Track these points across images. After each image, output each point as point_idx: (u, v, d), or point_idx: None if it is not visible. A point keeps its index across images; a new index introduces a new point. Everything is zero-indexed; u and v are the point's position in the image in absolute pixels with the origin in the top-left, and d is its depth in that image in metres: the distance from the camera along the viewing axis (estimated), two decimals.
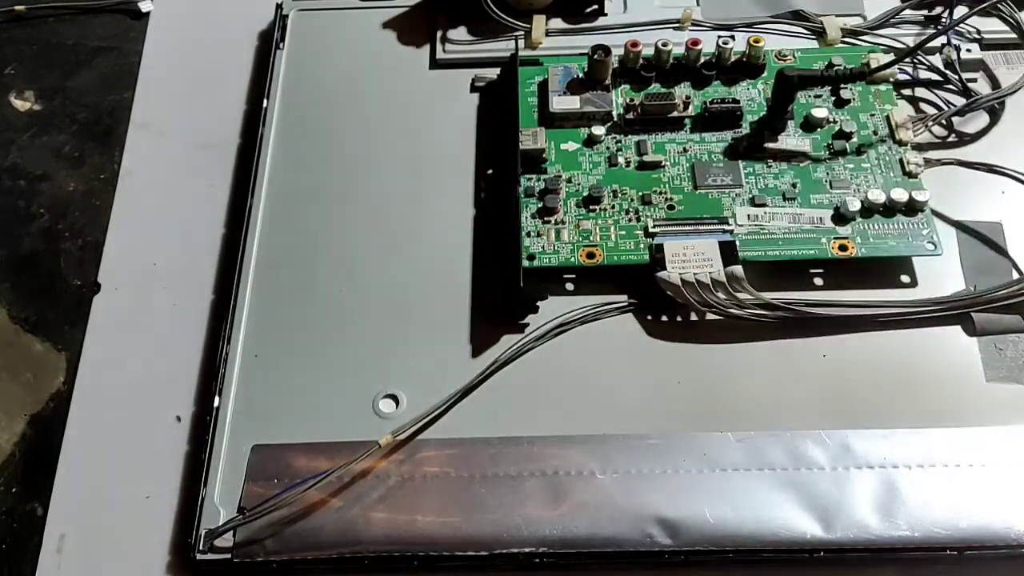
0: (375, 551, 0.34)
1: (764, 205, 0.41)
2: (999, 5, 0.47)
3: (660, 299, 0.38)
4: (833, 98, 0.44)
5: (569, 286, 0.40)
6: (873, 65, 0.43)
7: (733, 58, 0.45)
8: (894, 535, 0.33)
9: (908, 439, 0.36)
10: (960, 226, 0.41)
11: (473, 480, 0.35)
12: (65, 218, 0.45)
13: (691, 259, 0.39)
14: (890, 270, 0.40)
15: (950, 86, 0.45)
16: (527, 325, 0.39)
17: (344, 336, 0.39)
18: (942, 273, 0.40)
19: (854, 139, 0.42)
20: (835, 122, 0.43)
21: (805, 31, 0.47)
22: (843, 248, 0.39)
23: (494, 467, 0.35)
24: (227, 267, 0.42)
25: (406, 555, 0.34)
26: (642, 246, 0.40)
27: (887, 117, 0.43)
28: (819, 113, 0.43)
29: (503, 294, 0.39)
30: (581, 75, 0.44)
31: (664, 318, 0.39)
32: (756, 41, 0.44)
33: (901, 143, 0.42)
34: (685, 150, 0.43)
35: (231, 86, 0.48)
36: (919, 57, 0.46)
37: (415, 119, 0.46)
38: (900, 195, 0.40)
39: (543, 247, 0.40)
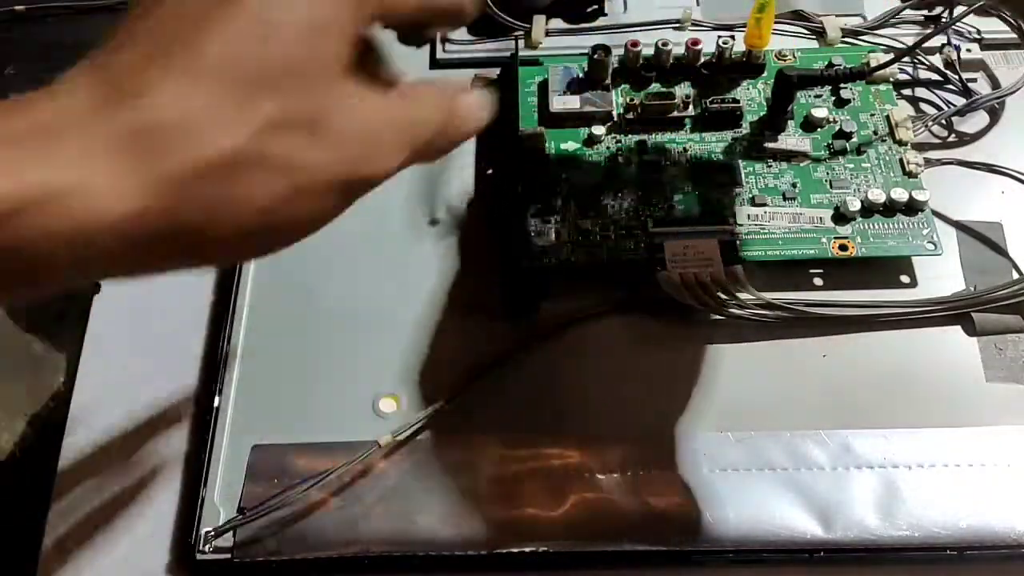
0: (375, 551, 0.34)
1: (764, 205, 0.41)
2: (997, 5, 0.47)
3: (660, 299, 0.38)
4: (833, 98, 0.44)
5: (569, 286, 0.40)
6: (873, 65, 0.43)
7: (733, 58, 0.45)
8: (894, 535, 0.33)
9: (908, 439, 0.36)
10: (960, 226, 0.41)
11: (473, 480, 0.35)
12: None
13: (691, 259, 0.39)
14: (890, 270, 0.40)
15: (950, 86, 0.45)
16: (527, 325, 0.39)
17: (344, 336, 0.39)
18: (942, 273, 0.40)
19: (854, 139, 0.42)
20: (835, 122, 0.43)
21: (805, 31, 0.47)
22: (843, 248, 0.39)
23: (494, 467, 0.35)
24: (227, 267, 0.41)
25: (406, 555, 0.34)
26: (642, 246, 0.40)
27: (887, 117, 0.43)
28: (819, 113, 0.43)
29: (503, 294, 0.39)
30: (581, 75, 0.44)
31: (664, 318, 0.39)
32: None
33: (901, 143, 0.42)
34: (685, 150, 0.43)
35: None
36: (919, 57, 0.46)
37: None
38: (900, 195, 0.40)
39: (543, 247, 0.40)
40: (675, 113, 0.43)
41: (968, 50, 0.46)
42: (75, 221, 0.19)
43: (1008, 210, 0.42)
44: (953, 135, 0.45)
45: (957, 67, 0.45)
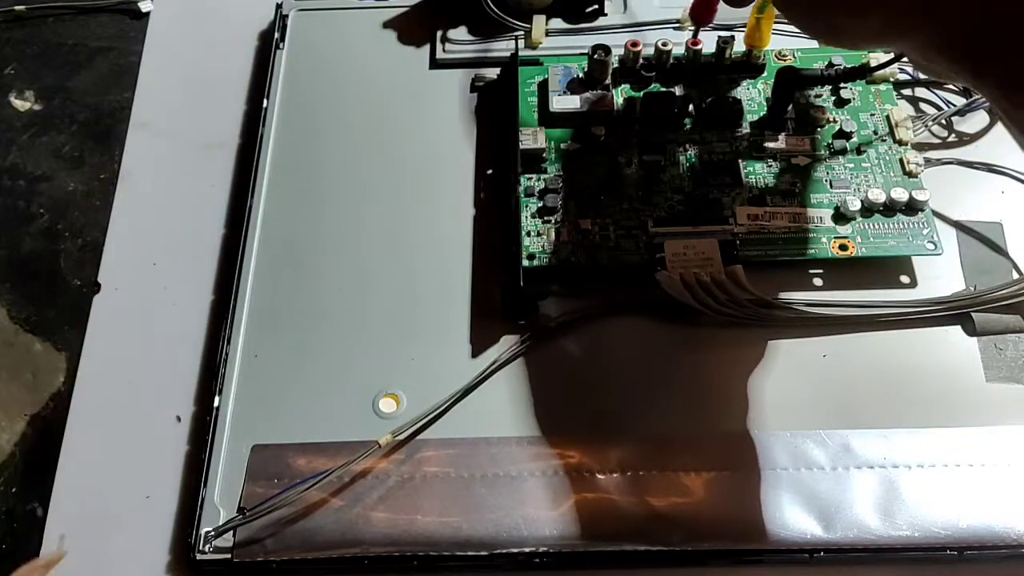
0: (375, 551, 0.34)
1: (764, 204, 0.41)
2: None
3: (660, 299, 0.38)
4: (833, 98, 0.44)
5: (569, 286, 0.40)
6: (873, 65, 0.43)
7: (733, 58, 0.45)
8: (894, 535, 0.33)
9: (908, 439, 0.36)
10: (960, 226, 0.41)
11: (473, 480, 0.35)
12: (65, 218, 0.45)
13: (691, 258, 0.39)
14: (890, 270, 0.40)
15: (950, 86, 0.45)
16: (527, 325, 0.39)
17: (344, 336, 0.39)
18: (942, 273, 0.40)
19: (854, 139, 0.42)
20: (835, 122, 0.43)
21: None
22: (843, 248, 0.39)
23: (494, 467, 0.35)
24: (227, 267, 0.41)
25: (406, 555, 0.33)
26: (642, 246, 0.40)
27: (887, 117, 0.43)
28: (819, 113, 0.43)
29: (503, 294, 0.39)
30: (581, 75, 0.44)
31: (664, 318, 0.39)
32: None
33: (901, 143, 0.42)
34: (685, 150, 0.43)
35: (231, 86, 0.48)
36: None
37: (415, 119, 0.46)
38: (900, 195, 0.40)
39: (543, 247, 0.40)
40: (675, 113, 0.43)
41: None
42: None
43: (1008, 210, 0.42)
44: (953, 135, 0.45)
45: None
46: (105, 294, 0.42)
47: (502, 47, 0.47)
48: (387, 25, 0.50)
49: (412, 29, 0.49)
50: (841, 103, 0.44)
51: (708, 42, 0.44)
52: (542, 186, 0.41)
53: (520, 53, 0.46)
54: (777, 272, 0.39)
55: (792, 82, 0.42)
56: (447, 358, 0.38)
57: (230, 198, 0.44)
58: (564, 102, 0.44)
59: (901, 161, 0.42)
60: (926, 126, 0.44)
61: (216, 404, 0.37)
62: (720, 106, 0.43)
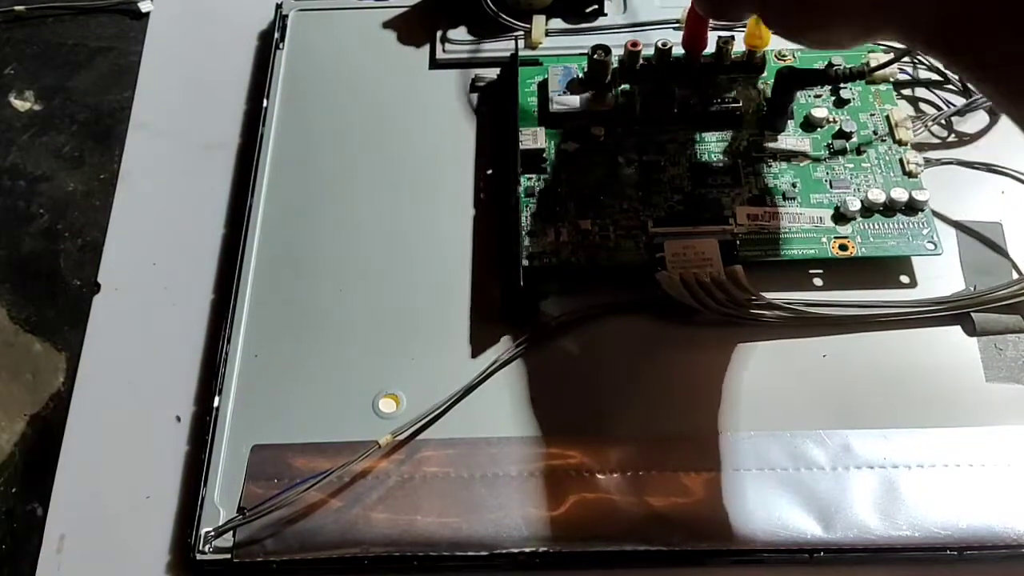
0: (375, 551, 0.33)
1: (764, 205, 0.41)
2: None
3: (660, 299, 0.38)
4: (833, 98, 0.44)
5: (569, 286, 0.40)
6: (873, 64, 0.43)
7: (733, 58, 0.45)
8: (894, 535, 0.33)
9: (908, 439, 0.36)
10: (960, 226, 0.41)
11: (473, 480, 0.35)
12: (65, 218, 0.45)
13: (691, 259, 0.39)
14: (890, 270, 0.40)
15: (950, 86, 0.45)
16: (527, 325, 0.39)
17: (344, 336, 0.39)
18: (942, 273, 0.40)
19: (854, 139, 0.42)
20: (835, 122, 0.43)
21: None
22: (843, 248, 0.39)
23: (494, 467, 0.35)
24: (227, 267, 0.41)
25: (406, 555, 0.33)
26: (642, 246, 0.40)
27: (887, 117, 0.43)
28: (819, 113, 0.43)
29: (503, 294, 0.39)
30: (581, 75, 0.44)
31: (664, 318, 0.39)
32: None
33: (901, 143, 0.42)
34: (685, 150, 0.43)
35: (231, 86, 0.48)
36: (919, 57, 0.46)
37: (415, 119, 0.46)
38: (900, 195, 0.40)
39: (543, 247, 0.40)
40: (675, 113, 0.43)
41: None
42: None
43: (1008, 210, 0.42)
44: (953, 135, 0.45)
45: None
46: (105, 294, 0.42)
47: (502, 47, 0.47)
48: (387, 25, 0.50)
49: (412, 29, 0.49)
50: (841, 103, 0.44)
51: (708, 42, 0.44)
52: (542, 186, 0.41)
53: (520, 53, 0.46)
54: (777, 272, 0.39)
55: (792, 82, 0.42)
56: (447, 358, 0.38)
57: (230, 198, 0.44)
58: (564, 102, 0.44)
59: (901, 161, 0.42)
60: (926, 126, 0.44)
61: (216, 404, 0.37)
62: (720, 106, 0.43)
